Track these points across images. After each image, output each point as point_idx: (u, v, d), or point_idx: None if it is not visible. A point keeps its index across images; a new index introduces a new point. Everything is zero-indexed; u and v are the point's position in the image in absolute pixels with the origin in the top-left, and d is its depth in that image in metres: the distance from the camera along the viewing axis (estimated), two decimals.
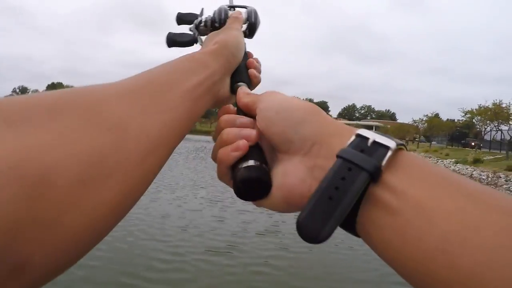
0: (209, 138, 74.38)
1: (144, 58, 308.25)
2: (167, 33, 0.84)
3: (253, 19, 0.83)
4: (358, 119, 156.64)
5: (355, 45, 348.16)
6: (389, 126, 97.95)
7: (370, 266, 7.52)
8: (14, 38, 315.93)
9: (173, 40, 0.84)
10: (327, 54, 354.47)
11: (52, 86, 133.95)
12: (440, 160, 38.61)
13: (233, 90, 0.65)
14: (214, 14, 0.82)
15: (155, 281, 6.45)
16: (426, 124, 68.36)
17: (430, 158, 42.60)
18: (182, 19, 0.87)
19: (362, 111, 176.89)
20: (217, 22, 0.81)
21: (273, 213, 10.45)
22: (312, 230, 0.31)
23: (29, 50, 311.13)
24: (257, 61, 0.77)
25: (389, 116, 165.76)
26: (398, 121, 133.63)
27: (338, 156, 0.32)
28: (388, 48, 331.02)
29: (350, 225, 0.32)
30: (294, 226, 0.33)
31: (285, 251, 8.27)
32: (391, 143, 0.32)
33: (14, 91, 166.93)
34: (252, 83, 0.71)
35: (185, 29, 0.86)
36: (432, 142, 71.98)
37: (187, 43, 0.84)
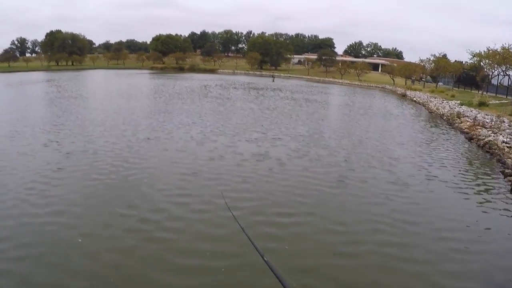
0: (212, 76, 74.57)
1: None
2: None
3: None
4: (364, 56, 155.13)
5: None
6: (395, 64, 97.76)
7: None
8: None
9: None
10: None
11: (51, 34, 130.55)
12: (445, 101, 39.20)
13: None
14: None
15: None
16: (433, 64, 68.23)
17: (435, 98, 43.18)
18: None
19: (369, 49, 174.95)
20: None
21: None
22: None
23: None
24: None
25: (396, 54, 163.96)
26: (405, 60, 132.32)
27: None
28: None
29: None
30: None
31: None
32: None
33: (12, 43, 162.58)
34: None
35: None
36: (439, 83, 72.09)
37: None
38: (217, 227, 8.27)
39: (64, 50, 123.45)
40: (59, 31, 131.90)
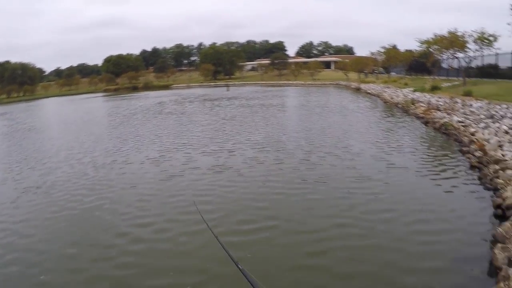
0: (167, 92, 73.46)
1: (83, 20, 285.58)
2: None
3: None
4: (316, 56, 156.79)
5: None
6: (347, 60, 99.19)
7: None
8: None
9: None
10: None
11: (1, 65, 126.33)
12: (399, 90, 39.74)
13: None
14: None
15: None
16: (384, 55, 69.34)
17: (389, 88, 43.78)
18: None
19: (320, 48, 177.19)
20: None
21: None
22: None
23: None
24: None
25: (347, 50, 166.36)
26: (357, 55, 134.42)
27: None
28: None
29: None
30: None
31: None
32: None
33: None
34: None
35: None
36: (391, 73, 73.33)
37: None
38: (183, 245, 7.85)
39: (15, 81, 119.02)
40: (7, 62, 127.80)
